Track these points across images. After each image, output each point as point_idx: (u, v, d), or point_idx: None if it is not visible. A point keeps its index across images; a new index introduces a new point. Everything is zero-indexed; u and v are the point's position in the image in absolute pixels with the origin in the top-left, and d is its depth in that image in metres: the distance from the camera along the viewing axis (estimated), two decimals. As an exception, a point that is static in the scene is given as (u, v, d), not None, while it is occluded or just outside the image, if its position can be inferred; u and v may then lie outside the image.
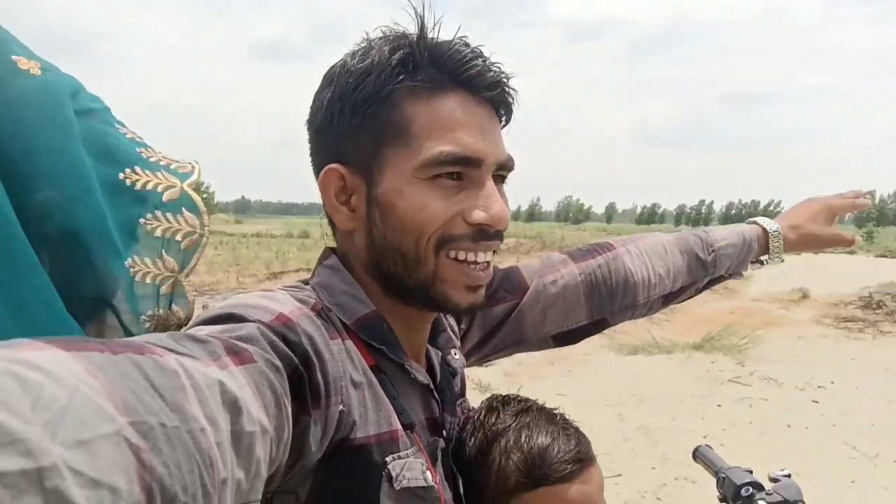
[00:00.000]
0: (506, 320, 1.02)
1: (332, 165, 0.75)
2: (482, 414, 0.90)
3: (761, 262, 1.25)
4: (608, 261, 1.07)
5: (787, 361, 7.65)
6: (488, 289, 0.80)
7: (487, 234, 0.74)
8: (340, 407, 0.64)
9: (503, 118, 0.79)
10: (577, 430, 0.89)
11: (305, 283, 0.79)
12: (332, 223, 0.80)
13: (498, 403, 0.92)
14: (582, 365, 7.25)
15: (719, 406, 5.91)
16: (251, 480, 0.48)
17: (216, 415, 0.44)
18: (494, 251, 0.77)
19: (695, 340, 8.35)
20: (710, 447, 1.26)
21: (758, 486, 1.22)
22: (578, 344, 1.10)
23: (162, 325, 0.85)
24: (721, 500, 1.14)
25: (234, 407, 0.46)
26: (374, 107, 0.72)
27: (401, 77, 0.71)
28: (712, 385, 6.58)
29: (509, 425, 0.87)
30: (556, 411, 0.92)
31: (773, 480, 1.22)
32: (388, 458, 0.69)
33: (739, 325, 9.16)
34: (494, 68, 0.74)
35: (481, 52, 0.75)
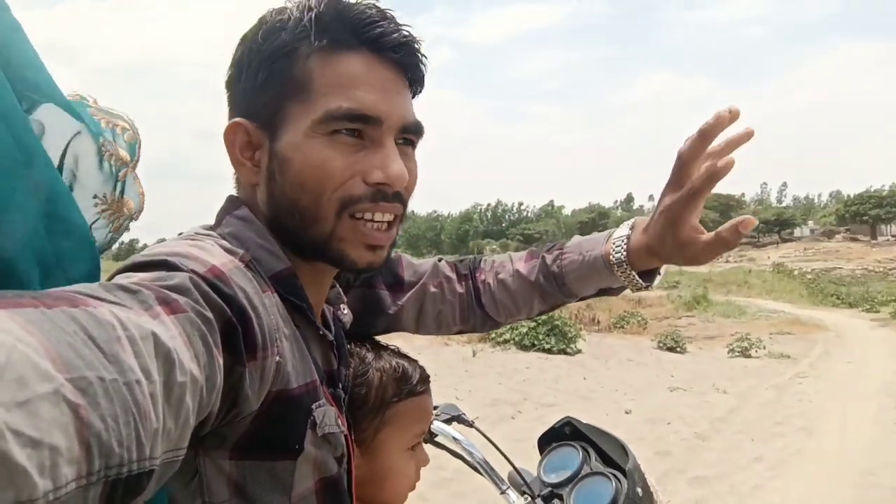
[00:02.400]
0: (377, 308, 1.07)
1: (238, 119, 0.75)
2: (350, 345, 1.00)
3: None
4: (484, 286, 1.10)
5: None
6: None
7: (386, 196, 0.74)
8: (277, 358, 0.65)
9: (413, 83, 0.80)
10: (415, 360, 1.08)
11: (210, 229, 0.76)
12: (237, 178, 0.80)
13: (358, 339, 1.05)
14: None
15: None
16: (180, 429, 0.48)
17: (150, 367, 0.44)
18: (396, 216, 0.78)
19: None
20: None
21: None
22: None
23: (115, 213, 0.84)
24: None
25: (167, 359, 0.46)
26: (280, 62, 0.72)
27: (307, 34, 0.72)
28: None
29: (378, 353, 1.03)
30: (391, 347, 1.08)
31: (434, 407, 1.36)
32: (313, 406, 0.71)
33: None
34: (400, 30, 0.75)
35: (390, 15, 0.75)
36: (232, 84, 0.77)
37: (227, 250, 0.68)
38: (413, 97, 0.80)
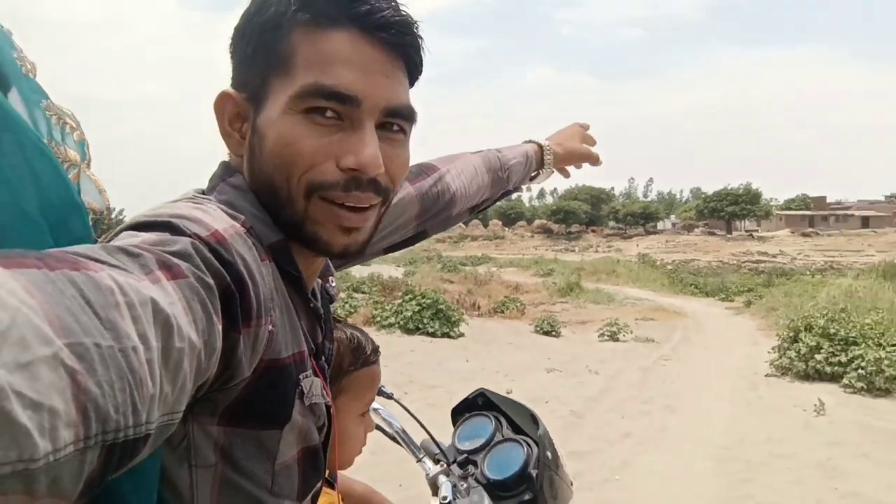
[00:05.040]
0: None
1: (227, 90, 0.76)
2: None
3: (535, 175, 1.47)
4: (437, 181, 1.16)
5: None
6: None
7: (360, 183, 0.72)
8: (270, 327, 0.65)
9: (409, 66, 0.76)
10: (365, 332, 1.18)
11: (203, 193, 0.76)
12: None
13: None
14: None
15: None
16: (177, 393, 0.49)
17: (148, 333, 0.45)
18: (372, 204, 0.75)
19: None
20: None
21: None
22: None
23: None
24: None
25: (165, 324, 0.47)
26: (267, 35, 0.72)
27: (295, 9, 0.70)
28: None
29: (335, 324, 1.02)
30: (342, 318, 1.13)
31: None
32: (301, 377, 0.73)
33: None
34: (391, 9, 0.72)
35: None
36: (230, 53, 0.77)
37: (229, 215, 0.68)
38: (411, 83, 0.78)
